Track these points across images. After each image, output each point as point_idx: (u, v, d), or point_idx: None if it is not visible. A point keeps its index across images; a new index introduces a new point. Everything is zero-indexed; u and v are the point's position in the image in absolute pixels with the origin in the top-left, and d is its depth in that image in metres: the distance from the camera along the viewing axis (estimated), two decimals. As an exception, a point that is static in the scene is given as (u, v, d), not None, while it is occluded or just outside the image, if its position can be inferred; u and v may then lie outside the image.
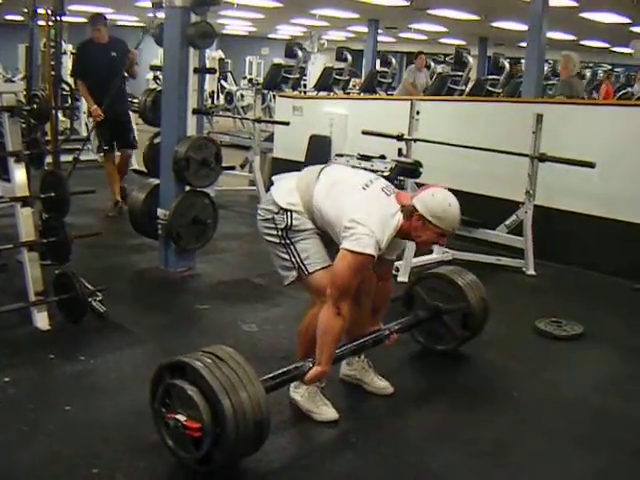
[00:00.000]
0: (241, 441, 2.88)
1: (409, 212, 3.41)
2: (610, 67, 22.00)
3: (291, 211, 3.47)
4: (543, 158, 6.25)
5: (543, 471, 3.32)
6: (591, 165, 5.89)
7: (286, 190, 3.56)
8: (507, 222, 6.52)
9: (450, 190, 3.47)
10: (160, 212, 5.68)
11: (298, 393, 3.64)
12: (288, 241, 3.48)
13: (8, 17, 22.50)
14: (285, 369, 3.44)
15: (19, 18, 5.42)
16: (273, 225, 3.51)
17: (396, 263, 5.92)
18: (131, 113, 8.20)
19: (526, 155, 6.30)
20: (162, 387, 3.05)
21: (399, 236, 3.47)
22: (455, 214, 3.43)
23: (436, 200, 3.41)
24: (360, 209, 3.34)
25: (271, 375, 3.33)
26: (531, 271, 6.37)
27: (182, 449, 3.00)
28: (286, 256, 3.51)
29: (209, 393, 2.88)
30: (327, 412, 3.57)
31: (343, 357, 3.71)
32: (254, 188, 9.11)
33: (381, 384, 3.93)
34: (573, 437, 3.62)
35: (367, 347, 3.80)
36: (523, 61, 13.67)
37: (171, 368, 3.07)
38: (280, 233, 3.50)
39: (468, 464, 3.32)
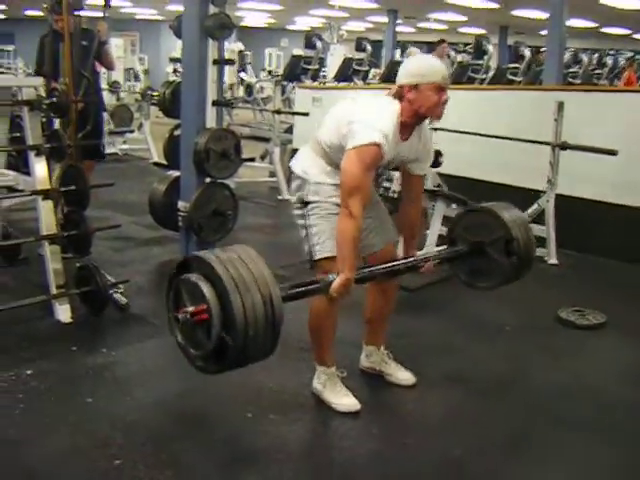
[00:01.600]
0: (251, 327, 2.71)
1: (400, 94, 3.34)
2: (632, 54, 21.81)
3: (308, 179, 3.46)
4: (565, 146, 6.19)
5: (564, 459, 3.29)
6: (613, 153, 5.83)
7: (301, 157, 3.57)
8: (529, 211, 6.46)
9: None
10: (181, 204, 5.69)
11: (320, 383, 3.64)
12: (307, 221, 3.45)
13: (28, 12, 22.66)
14: (307, 281, 3.27)
15: (39, 13, 5.41)
16: (297, 201, 3.52)
17: (418, 253, 5.90)
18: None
19: (548, 143, 6.25)
20: (173, 287, 2.92)
21: (409, 124, 3.37)
22: (437, 63, 3.36)
23: (413, 63, 3.40)
24: (355, 111, 3.33)
25: (291, 284, 3.14)
26: (553, 260, 6.33)
27: (194, 345, 2.87)
28: (304, 238, 3.49)
29: (213, 277, 2.74)
30: (349, 402, 3.56)
31: (374, 277, 3.52)
32: (274, 179, 9.12)
33: (404, 375, 3.91)
34: (594, 427, 3.59)
35: (400, 272, 3.63)
36: (544, 49, 13.56)
37: (182, 267, 2.93)
38: (301, 206, 3.49)
39: (491, 451, 3.31)
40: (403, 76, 3.34)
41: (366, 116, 3.26)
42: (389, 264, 3.53)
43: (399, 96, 3.34)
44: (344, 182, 3.24)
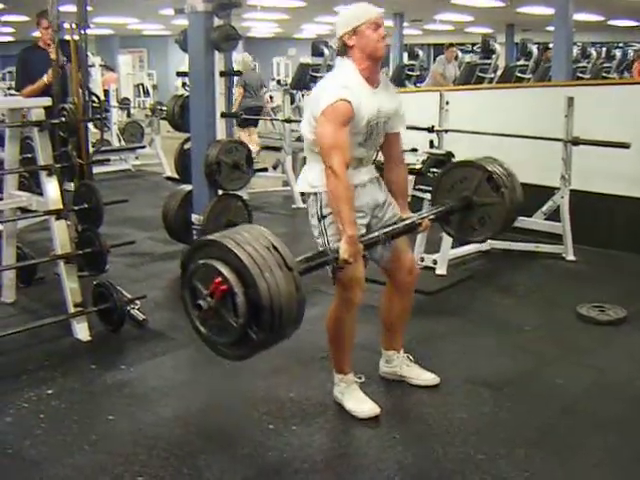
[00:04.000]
0: (275, 300, 2.69)
1: (344, 45, 3.38)
2: (641, 46, 21.73)
3: (316, 193, 3.43)
4: (577, 141, 6.16)
5: (589, 459, 3.26)
6: (626, 146, 5.79)
7: (303, 174, 3.56)
8: (544, 208, 6.44)
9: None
10: (194, 217, 5.69)
11: (339, 392, 3.63)
12: (326, 237, 3.42)
13: (36, 34, 22.77)
14: (313, 254, 3.24)
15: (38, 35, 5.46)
16: (311, 213, 3.50)
17: (433, 256, 5.90)
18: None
19: (559, 139, 6.22)
20: (187, 285, 2.90)
21: (370, 71, 3.38)
22: (365, 5, 3.39)
23: (344, 12, 3.41)
24: (315, 93, 3.43)
25: (301, 258, 3.10)
26: (571, 256, 6.29)
27: (220, 332, 2.85)
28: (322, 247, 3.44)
29: (220, 247, 2.76)
30: (368, 407, 3.54)
31: (378, 243, 3.47)
32: (288, 189, 9.11)
33: (428, 375, 3.90)
34: (619, 424, 3.54)
35: (400, 233, 3.60)
36: (551, 45, 13.51)
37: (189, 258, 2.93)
38: (318, 223, 3.46)
39: (513, 453, 3.27)
40: (340, 27, 3.38)
41: (324, 85, 3.37)
42: (389, 228, 3.52)
43: (344, 48, 3.38)
44: (321, 145, 3.27)
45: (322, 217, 3.41)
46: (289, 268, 2.77)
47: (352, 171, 3.39)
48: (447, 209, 3.94)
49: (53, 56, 5.28)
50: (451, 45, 13.42)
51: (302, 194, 3.66)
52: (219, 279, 2.71)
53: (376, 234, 3.45)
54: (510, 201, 3.86)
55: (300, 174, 3.61)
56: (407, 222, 3.64)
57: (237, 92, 11.33)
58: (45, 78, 5.79)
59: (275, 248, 2.78)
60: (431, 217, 3.79)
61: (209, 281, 2.75)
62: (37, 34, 6.33)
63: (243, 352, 2.89)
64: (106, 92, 13.78)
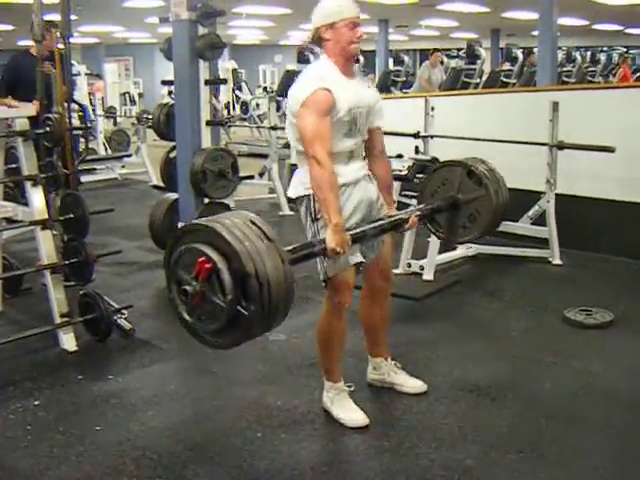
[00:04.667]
0: (260, 268, 2.66)
1: (318, 36, 3.41)
2: (625, 49, 21.80)
3: (309, 195, 3.41)
4: (562, 146, 6.18)
5: (576, 464, 3.26)
6: (611, 150, 5.82)
7: (293, 181, 3.55)
8: (530, 213, 6.46)
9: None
10: (180, 226, 5.68)
11: (329, 398, 3.62)
12: (319, 238, 3.36)
13: (21, 43, 22.73)
14: (299, 245, 3.20)
15: (33, 43, 5.46)
16: (304, 215, 3.48)
17: (420, 262, 5.91)
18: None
19: (544, 144, 6.24)
20: (173, 279, 2.90)
21: (344, 63, 3.41)
22: (345, 1, 3.40)
23: (326, 3, 3.41)
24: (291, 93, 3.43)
25: (289, 248, 3.06)
26: (557, 260, 6.31)
27: (207, 319, 2.82)
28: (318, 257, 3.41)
29: (212, 235, 2.74)
30: (357, 417, 3.54)
31: (365, 237, 3.44)
32: (274, 196, 9.11)
33: (415, 382, 3.89)
34: (606, 429, 3.54)
35: (387, 229, 3.59)
36: (536, 50, 13.58)
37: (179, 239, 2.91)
38: (310, 224, 3.44)
39: (502, 459, 3.27)
40: (319, 17, 3.39)
41: (300, 80, 3.41)
42: (376, 223, 3.51)
43: (318, 39, 3.41)
44: (303, 136, 3.28)
45: (315, 219, 3.39)
46: (270, 239, 2.76)
47: (345, 167, 3.41)
48: (433, 207, 3.96)
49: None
50: (435, 50, 13.48)
51: (292, 200, 3.63)
52: (202, 258, 2.71)
53: (363, 228, 3.42)
54: (495, 193, 3.89)
55: (291, 181, 3.58)
56: (394, 218, 3.63)
57: None
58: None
59: (254, 223, 2.79)
60: (417, 214, 3.79)
61: (192, 265, 2.74)
62: (28, 42, 6.25)
63: (234, 337, 2.83)
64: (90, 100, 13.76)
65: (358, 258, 3.44)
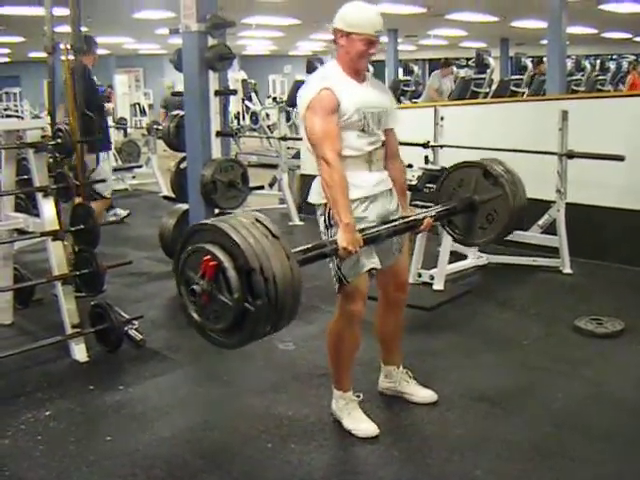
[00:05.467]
0: (264, 263, 2.69)
1: (334, 40, 3.42)
2: (635, 57, 21.79)
3: (325, 203, 3.39)
4: (571, 155, 6.18)
5: (586, 473, 3.25)
6: (621, 158, 5.80)
7: (312, 187, 3.52)
8: (540, 222, 6.45)
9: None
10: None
11: (338, 408, 3.62)
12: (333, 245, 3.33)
13: (32, 55, 22.88)
14: (310, 245, 3.19)
15: (43, 55, 5.50)
16: (320, 222, 3.47)
17: (431, 271, 5.90)
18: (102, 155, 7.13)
19: (554, 153, 6.24)
20: (183, 279, 2.92)
21: (354, 69, 3.42)
22: (375, 14, 3.39)
23: (352, 10, 3.38)
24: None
25: (299, 249, 3.09)
26: (567, 269, 6.29)
27: (212, 319, 2.84)
28: (331, 262, 3.40)
29: (217, 234, 2.77)
30: (367, 428, 3.53)
31: (378, 238, 3.40)
32: (284, 206, 9.12)
33: (426, 393, 3.89)
34: (616, 438, 3.53)
35: (401, 231, 3.56)
36: (545, 59, 13.58)
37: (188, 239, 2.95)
38: (325, 231, 3.43)
39: (512, 469, 3.27)
40: (339, 20, 3.39)
41: (305, 85, 3.44)
42: (390, 224, 3.48)
43: (335, 38, 3.43)
44: (311, 138, 3.30)
45: (329, 225, 3.38)
46: (275, 236, 2.78)
47: (366, 175, 3.42)
48: (449, 208, 3.93)
49: None
50: (447, 62, 13.45)
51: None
52: (207, 257, 2.74)
53: (377, 229, 3.40)
54: (512, 193, 3.85)
55: (311, 188, 3.56)
56: (408, 219, 3.60)
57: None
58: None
59: (259, 221, 2.81)
60: (432, 215, 3.76)
61: (200, 265, 2.78)
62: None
63: (242, 335, 2.84)
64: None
65: (374, 263, 3.43)
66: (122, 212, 8.69)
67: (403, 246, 3.68)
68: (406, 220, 3.58)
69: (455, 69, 15.33)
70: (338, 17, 3.39)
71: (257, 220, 2.82)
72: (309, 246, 3.17)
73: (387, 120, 3.53)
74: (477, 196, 3.92)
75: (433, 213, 3.80)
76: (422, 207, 5.40)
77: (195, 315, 2.90)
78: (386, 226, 3.45)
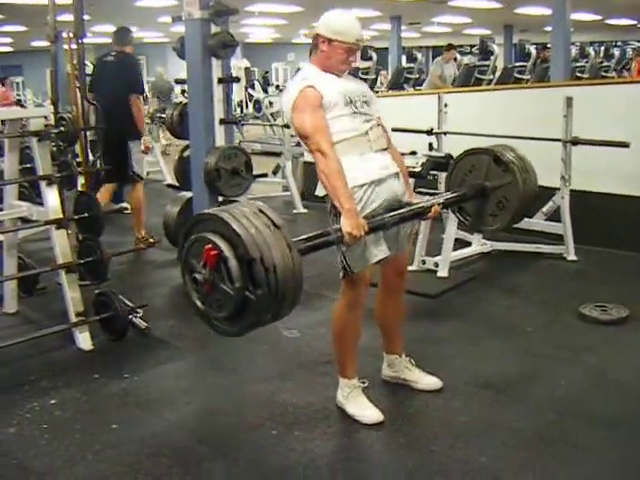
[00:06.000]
0: (265, 253, 2.69)
1: (314, 44, 3.47)
2: (639, 44, 21.73)
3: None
4: (576, 141, 6.16)
5: (592, 460, 3.25)
6: (625, 145, 5.79)
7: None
8: (544, 209, 6.44)
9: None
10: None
11: (343, 396, 3.62)
12: (339, 233, 3.30)
13: (34, 44, 22.85)
14: (314, 233, 3.17)
15: (46, 44, 5.49)
16: (328, 212, 3.46)
17: (435, 259, 5.90)
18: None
19: (559, 140, 6.22)
20: (185, 258, 2.94)
21: (326, 70, 3.46)
22: (356, 24, 3.45)
23: (335, 18, 3.44)
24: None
25: (303, 237, 3.09)
26: (572, 257, 6.28)
27: (215, 307, 2.86)
28: (337, 250, 3.39)
29: (219, 224, 2.79)
30: (372, 415, 3.53)
31: (384, 226, 3.39)
32: (288, 193, 9.11)
33: (430, 380, 3.88)
34: (620, 425, 3.53)
35: (408, 218, 3.53)
36: (549, 45, 13.54)
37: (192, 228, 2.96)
38: (334, 218, 3.39)
39: (516, 456, 3.27)
40: (323, 26, 3.44)
41: (287, 89, 3.51)
42: (396, 212, 3.45)
43: (314, 45, 3.49)
44: (303, 134, 3.35)
45: (337, 215, 3.34)
46: (277, 227, 2.79)
47: (371, 155, 3.42)
48: (459, 195, 3.92)
49: None
50: (450, 46, 13.39)
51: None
52: (209, 246, 2.76)
53: (382, 217, 3.39)
54: (523, 180, 3.85)
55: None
56: (415, 207, 3.58)
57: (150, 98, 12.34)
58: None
59: (261, 211, 2.82)
60: (441, 202, 3.75)
61: (202, 254, 2.79)
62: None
63: (245, 323, 2.86)
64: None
65: (383, 252, 3.43)
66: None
67: (411, 235, 3.67)
68: (413, 207, 3.56)
69: (459, 56, 15.30)
70: (322, 23, 3.45)
71: (260, 210, 2.83)
72: (313, 234, 3.15)
73: (371, 106, 3.55)
74: (488, 182, 3.91)
75: (441, 200, 3.78)
76: (426, 194, 5.40)
77: (198, 303, 2.91)
78: (392, 214, 3.43)
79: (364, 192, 3.37)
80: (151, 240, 6.64)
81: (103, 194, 6.58)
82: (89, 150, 5.97)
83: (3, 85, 17.99)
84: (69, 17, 5.40)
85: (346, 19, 3.45)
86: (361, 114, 3.44)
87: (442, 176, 6.11)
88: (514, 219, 3.99)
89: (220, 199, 5.73)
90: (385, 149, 3.52)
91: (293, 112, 3.36)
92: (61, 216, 4.57)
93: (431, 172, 5.84)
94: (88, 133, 5.83)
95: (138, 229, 6.86)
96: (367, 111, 3.48)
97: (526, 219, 6.18)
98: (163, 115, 9.65)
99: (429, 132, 6.49)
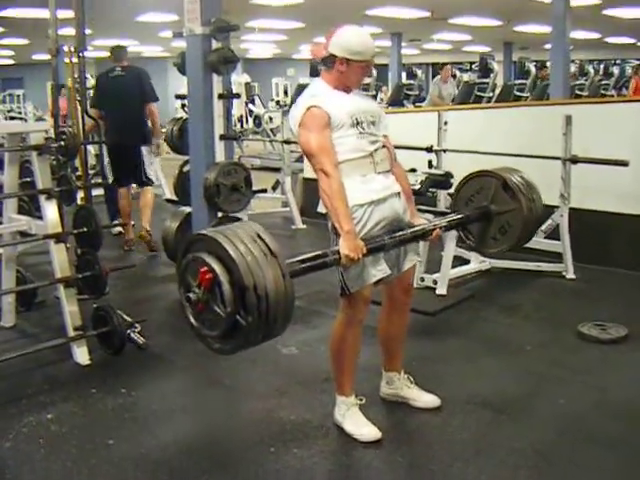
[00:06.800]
0: (259, 282, 2.70)
1: (330, 61, 3.44)
2: (638, 62, 21.79)
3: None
4: (575, 160, 6.16)
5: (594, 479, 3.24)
6: (624, 163, 5.80)
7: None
8: (543, 227, 6.42)
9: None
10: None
11: (340, 414, 3.60)
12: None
13: (36, 57, 22.90)
14: (312, 254, 3.18)
15: (47, 57, 5.53)
16: (330, 230, 3.44)
17: (434, 276, 5.89)
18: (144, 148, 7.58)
19: (558, 158, 6.22)
20: (181, 274, 2.96)
21: (338, 87, 3.47)
22: (370, 41, 3.48)
23: (350, 38, 3.42)
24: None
25: (299, 258, 3.10)
26: (571, 275, 6.28)
27: (210, 325, 2.87)
28: (337, 269, 3.38)
29: (216, 247, 2.79)
30: (369, 432, 3.51)
31: (384, 247, 3.38)
32: (287, 209, 9.11)
33: (429, 397, 3.86)
34: (621, 445, 3.51)
35: (409, 240, 3.52)
36: (549, 63, 13.58)
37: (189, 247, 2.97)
38: (334, 232, 3.39)
39: (516, 475, 3.25)
40: (338, 47, 3.41)
41: (296, 104, 3.50)
42: (397, 233, 3.44)
43: (328, 63, 3.46)
44: (307, 153, 3.37)
45: (337, 234, 3.34)
46: (273, 255, 2.79)
47: (374, 176, 3.42)
48: (461, 219, 3.91)
49: None
50: (445, 64, 13.48)
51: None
52: (204, 269, 2.76)
53: (382, 239, 3.38)
54: (528, 209, 3.83)
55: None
56: (417, 229, 3.57)
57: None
58: None
59: (259, 237, 2.82)
60: (444, 225, 3.76)
61: (198, 273, 2.81)
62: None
63: (235, 343, 2.88)
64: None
65: (382, 271, 3.42)
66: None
67: (414, 256, 3.67)
68: (415, 230, 3.56)
69: (458, 73, 15.35)
70: (337, 44, 3.41)
71: (259, 236, 2.83)
72: (311, 255, 3.15)
73: (379, 125, 3.55)
74: (493, 206, 3.90)
75: (444, 223, 3.78)
76: (425, 212, 5.40)
77: (192, 319, 2.93)
78: (392, 235, 3.42)
79: (364, 211, 3.36)
80: (152, 243, 6.99)
81: (124, 202, 7.44)
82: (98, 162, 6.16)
83: None
84: (70, 31, 5.42)
85: (362, 38, 3.45)
86: (368, 134, 3.44)
87: (441, 194, 6.11)
88: (515, 245, 3.98)
89: (219, 214, 5.72)
90: (388, 171, 3.52)
91: (300, 128, 3.37)
92: (60, 230, 4.57)
93: (430, 189, 5.84)
94: (92, 147, 5.88)
95: (145, 222, 7.36)
96: (374, 131, 3.47)
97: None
98: (163, 130, 9.66)
99: (429, 149, 6.49)
